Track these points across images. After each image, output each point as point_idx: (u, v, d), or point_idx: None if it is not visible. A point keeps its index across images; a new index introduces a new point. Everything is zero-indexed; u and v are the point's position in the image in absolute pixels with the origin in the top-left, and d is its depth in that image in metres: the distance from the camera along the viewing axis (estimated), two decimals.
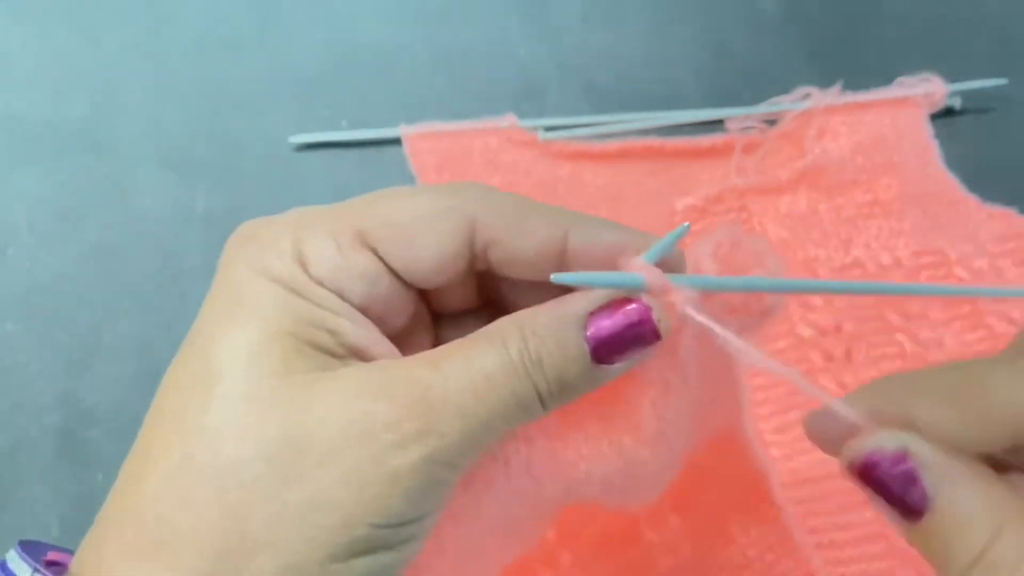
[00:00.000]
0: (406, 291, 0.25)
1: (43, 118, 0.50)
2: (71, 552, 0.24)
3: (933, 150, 0.48)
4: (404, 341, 0.26)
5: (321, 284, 0.23)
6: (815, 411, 0.22)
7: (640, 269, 0.23)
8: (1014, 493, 0.20)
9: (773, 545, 0.39)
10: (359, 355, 0.23)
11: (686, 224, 0.24)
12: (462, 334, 0.25)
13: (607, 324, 0.22)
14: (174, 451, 0.22)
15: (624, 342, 0.23)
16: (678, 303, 0.23)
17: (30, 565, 0.22)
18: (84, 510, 0.41)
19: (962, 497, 0.19)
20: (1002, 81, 0.50)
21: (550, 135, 0.49)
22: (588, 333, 0.22)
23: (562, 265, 0.24)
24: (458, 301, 0.27)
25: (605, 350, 0.22)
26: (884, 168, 0.47)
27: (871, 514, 0.39)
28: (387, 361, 0.23)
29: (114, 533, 0.22)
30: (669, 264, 0.24)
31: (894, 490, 0.20)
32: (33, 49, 0.53)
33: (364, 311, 0.24)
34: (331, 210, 0.24)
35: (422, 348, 0.26)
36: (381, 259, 0.24)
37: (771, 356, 0.23)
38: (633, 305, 0.23)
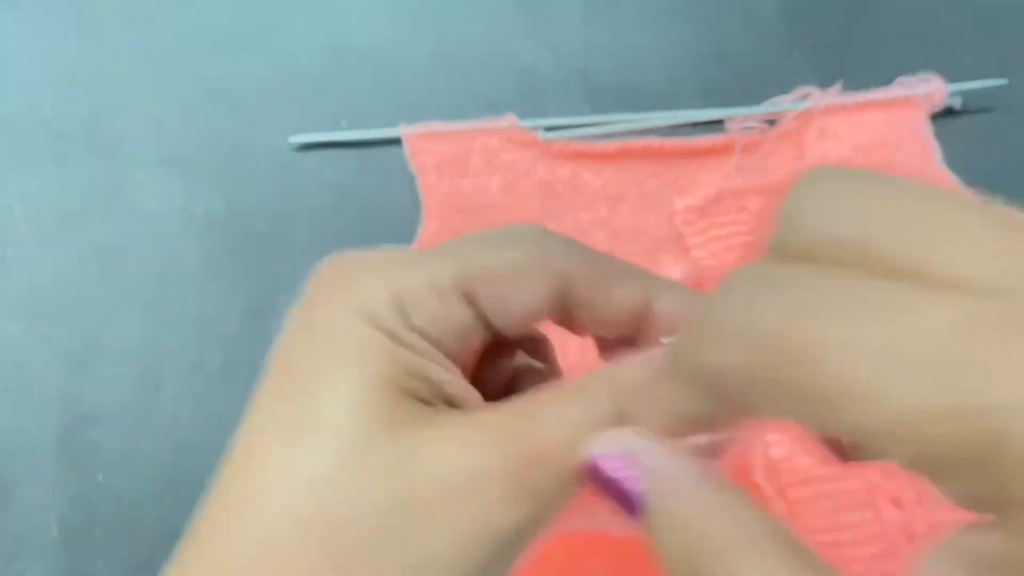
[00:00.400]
0: (487, 334, 0.25)
1: (43, 118, 0.50)
2: None
3: (933, 150, 0.48)
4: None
5: (420, 333, 0.23)
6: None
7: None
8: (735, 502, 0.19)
9: None
10: (450, 403, 0.23)
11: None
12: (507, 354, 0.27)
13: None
14: (275, 502, 0.21)
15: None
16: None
17: None
18: (84, 510, 0.41)
19: (677, 506, 0.19)
20: (1002, 81, 0.50)
21: (550, 135, 0.49)
22: None
23: (641, 327, 0.25)
24: None
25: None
26: (884, 168, 0.47)
27: (872, 514, 0.39)
28: (484, 413, 0.23)
29: None
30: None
31: (617, 491, 0.20)
32: (33, 49, 0.53)
33: (452, 358, 0.24)
34: (427, 256, 0.24)
35: (468, 369, 0.26)
36: (477, 310, 0.24)
37: None
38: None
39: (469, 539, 0.20)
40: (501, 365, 0.28)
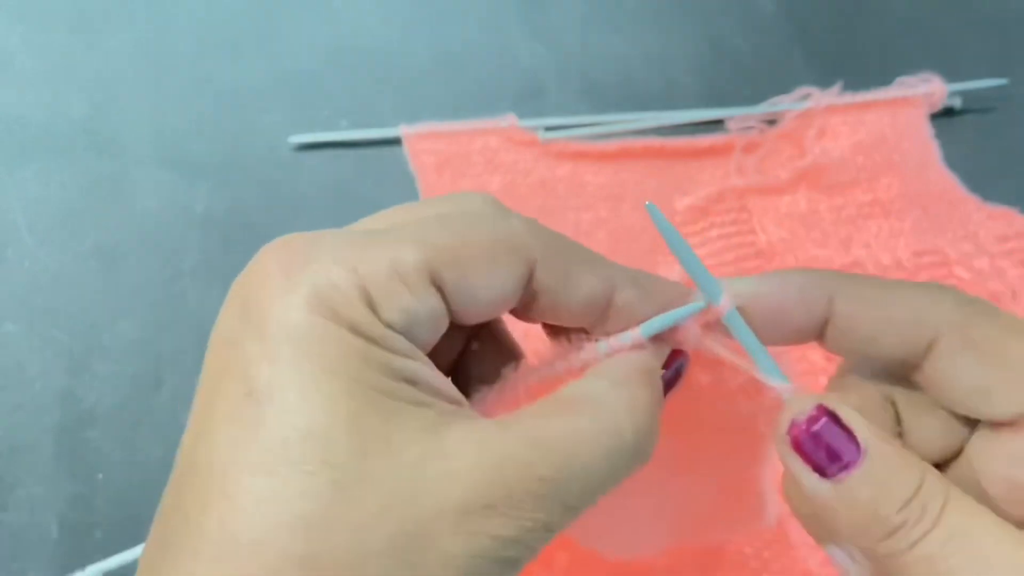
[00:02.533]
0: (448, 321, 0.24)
1: (43, 118, 0.50)
2: None
3: (933, 150, 0.48)
4: None
5: (392, 327, 0.21)
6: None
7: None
8: (924, 463, 0.22)
9: (769, 543, 0.39)
10: (436, 396, 0.21)
11: (700, 304, 0.25)
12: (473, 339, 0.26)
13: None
14: (265, 539, 0.18)
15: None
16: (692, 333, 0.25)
17: None
18: (83, 510, 0.41)
19: (891, 448, 0.22)
20: (1002, 81, 0.50)
21: (550, 135, 0.49)
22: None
23: (603, 317, 0.24)
24: None
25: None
26: (884, 168, 0.47)
27: None
28: (488, 433, 0.21)
29: None
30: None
31: (833, 447, 0.22)
32: (33, 49, 0.53)
33: (422, 349, 0.22)
34: (385, 237, 0.22)
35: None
36: (445, 298, 0.22)
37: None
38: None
39: (469, 570, 0.19)
40: (450, 343, 0.26)
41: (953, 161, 0.47)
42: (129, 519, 0.41)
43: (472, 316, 0.23)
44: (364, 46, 0.53)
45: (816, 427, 0.22)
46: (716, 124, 0.50)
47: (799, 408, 0.22)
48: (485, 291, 0.22)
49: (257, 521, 0.18)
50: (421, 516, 0.19)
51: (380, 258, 0.21)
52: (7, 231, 0.47)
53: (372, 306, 0.20)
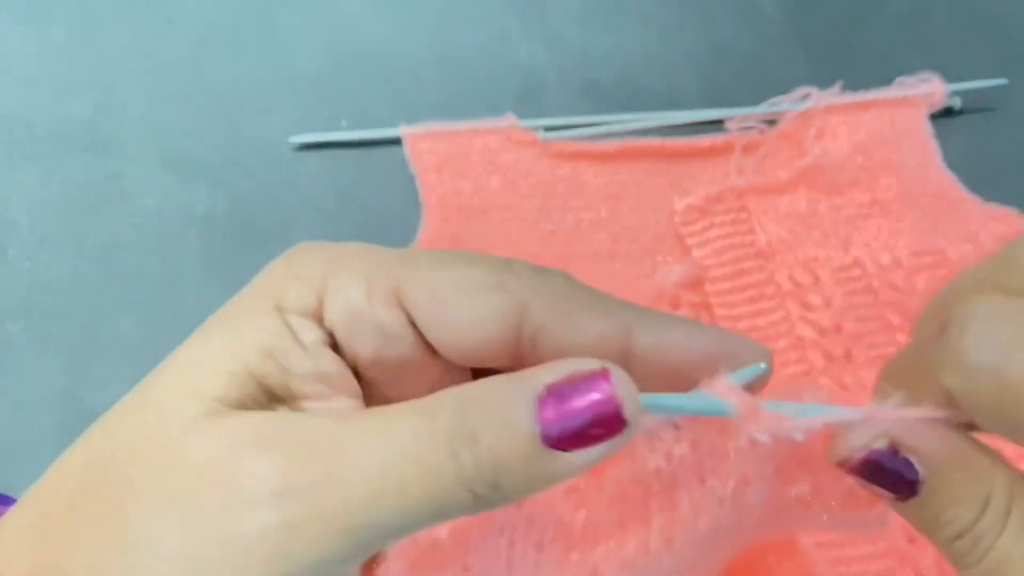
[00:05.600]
0: (432, 360, 0.22)
1: (43, 118, 0.50)
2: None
3: (933, 150, 0.48)
4: None
5: (333, 323, 0.21)
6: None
7: (727, 393, 0.21)
8: (997, 462, 0.20)
9: (776, 548, 0.39)
10: (302, 402, 0.21)
11: (763, 364, 0.22)
12: None
13: (563, 401, 0.19)
14: (80, 446, 0.22)
15: (583, 426, 0.18)
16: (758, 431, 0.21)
17: None
18: None
19: (950, 479, 0.20)
20: (1002, 81, 0.50)
21: (550, 135, 0.49)
22: (539, 411, 0.18)
23: (626, 366, 0.20)
24: None
25: (559, 433, 0.18)
26: (884, 168, 0.47)
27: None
28: (293, 422, 0.20)
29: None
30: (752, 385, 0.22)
31: (889, 479, 0.20)
32: (33, 49, 0.53)
33: (371, 367, 0.22)
34: (375, 254, 0.22)
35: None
36: (413, 323, 0.21)
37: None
38: (597, 381, 0.19)
39: (214, 541, 0.18)
40: None
41: (953, 161, 0.47)
42: None
43: (454, 349, 0.22)
44: (364, 46, 0.53)
45: (880, 464, 0.21)
46: (716, 124, 0.50)
47: (870, 442, 0.21)
48: (462, 324, 0.21)
49: (113, 429, 0.23)
50: (184, 466, 0.20)
51: (356, 265, 0.21)
52: (8, 231, 0.47)
53: (322, 298, 0.21)
